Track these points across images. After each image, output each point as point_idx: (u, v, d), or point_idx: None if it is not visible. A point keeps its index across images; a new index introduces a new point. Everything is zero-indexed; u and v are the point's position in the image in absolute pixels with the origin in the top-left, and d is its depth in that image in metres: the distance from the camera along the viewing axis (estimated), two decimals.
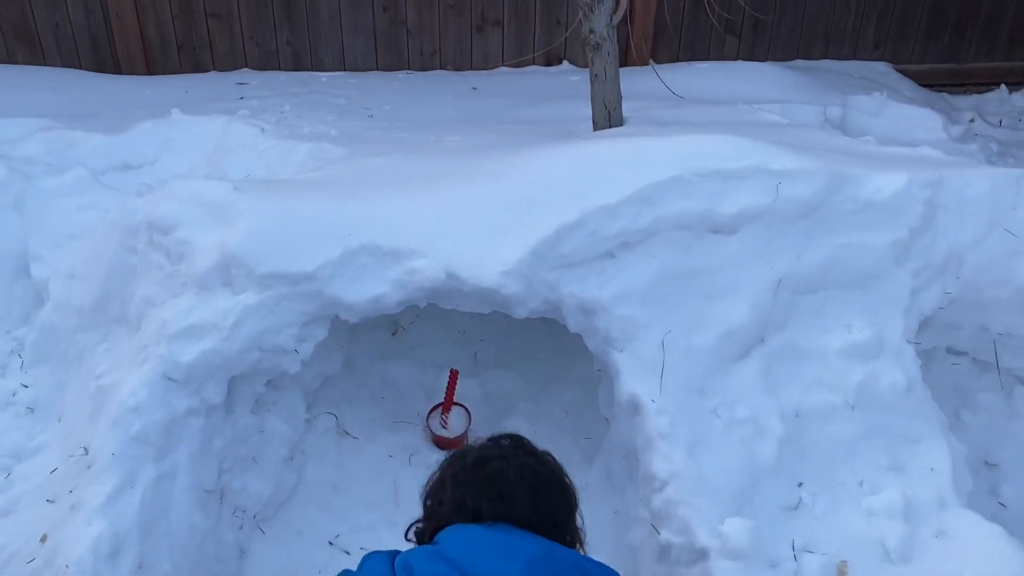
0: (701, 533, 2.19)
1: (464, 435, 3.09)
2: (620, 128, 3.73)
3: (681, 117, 3.88)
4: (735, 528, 2.17)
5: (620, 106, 3.82)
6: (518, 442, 1.73)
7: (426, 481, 1.70)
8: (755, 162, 2.78)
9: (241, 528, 2.52)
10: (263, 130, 3.89)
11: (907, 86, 5.79)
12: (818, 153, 3.02)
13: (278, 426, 2.70)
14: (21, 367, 2.74)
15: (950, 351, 3.29)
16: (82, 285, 2.77)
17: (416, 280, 2.52)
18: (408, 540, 1.66)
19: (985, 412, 3.18)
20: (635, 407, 2.47)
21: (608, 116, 3.81)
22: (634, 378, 2.51)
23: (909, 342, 2.71)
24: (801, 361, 2.65)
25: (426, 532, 1.64)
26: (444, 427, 3.07)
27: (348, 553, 2.62)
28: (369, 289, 2.51)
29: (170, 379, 2.36)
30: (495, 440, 1.71)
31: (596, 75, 3.73)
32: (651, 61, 5.89)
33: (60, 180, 3.15)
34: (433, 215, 2.66)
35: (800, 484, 2.45)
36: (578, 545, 1.87)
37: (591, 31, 3.60)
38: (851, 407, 2.55)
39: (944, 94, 5.99)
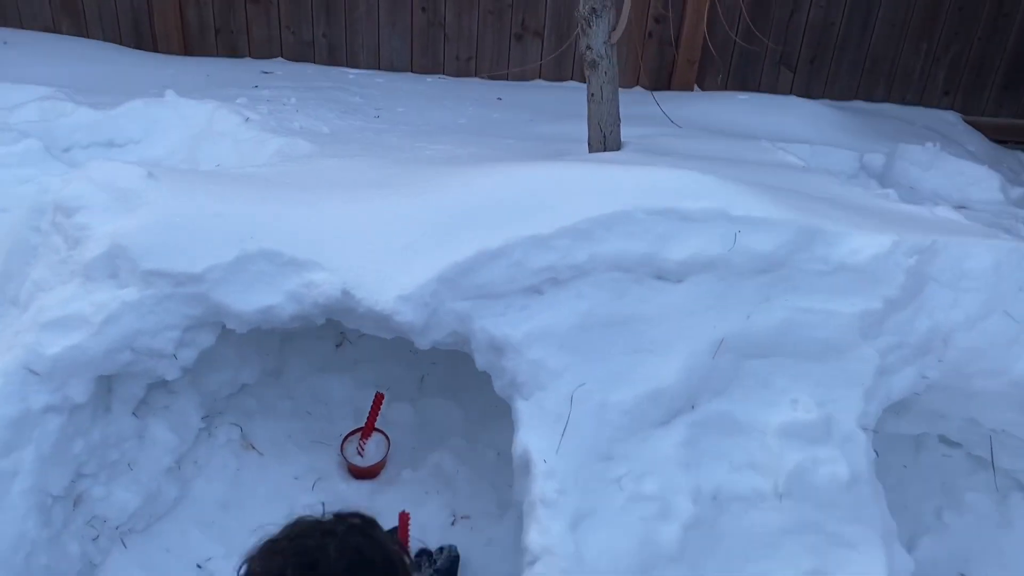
0: None
1: (380, 464, 2.86)
2: (610, 154, 3.45)
3: (684, 148, 3.57)
4: None
5: (618, 129, 3.54)
6: (358, 522, 1.60)
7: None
8: (715, 204, 2.48)
9: (96, 539, 2.35)
10: (247, 120, 3.76)
11: (974, 139, 5.30)
12: (802, 203, 2.68)
13: (163, 433, 2.53)
14: None
15: (942, 440, 2.90)
16: None
17: (312, 294, 2.31)
18: None
19: (972, 516, 2.77)
20: (526, 465, 2.20)
21: (603, 139, 3.54)
22: (532, 431, 2.23)
23: (865, 429, 2.35)
24: (734, 436, 2.32)
25: None
26: (360, 454, 2.85)
27: None
28: (260, 299, 2.32)
29: (32, 371, 2.21)
30: (337, 515, 1.60)
31: (592, 95, 3.46)
32: (696, 87, 5.58)
33: (10, 150, 3.08)
34: (348, 226, 2.45)
35: None
36: None
37: (588, 47, 3.34)
38: (780, 496, 2.22)
39: (1019, 152, 5.47)
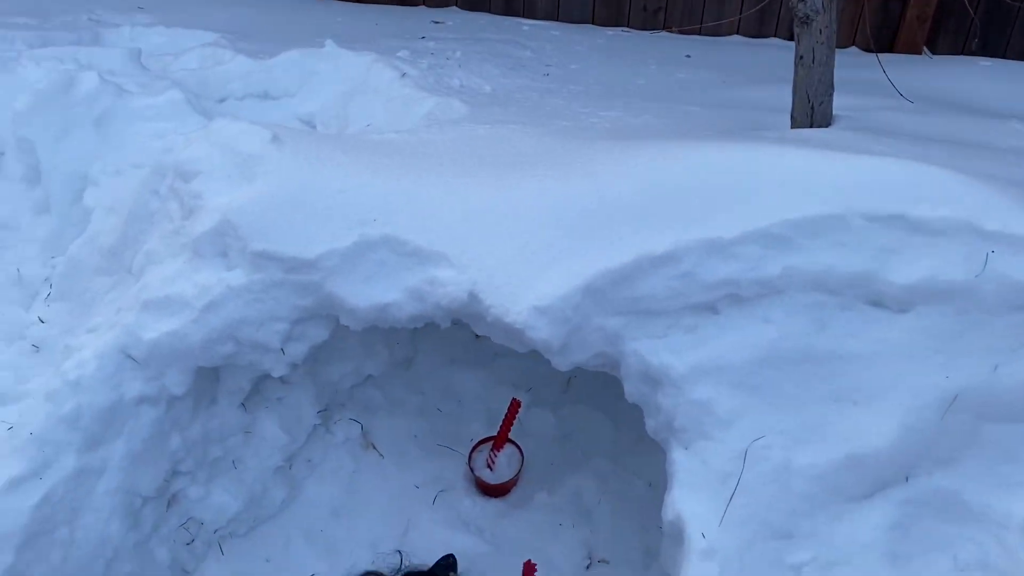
0: None
1: (511, 482, 2.50)
2: (818, 132, 2.84)
3: (913, 127, 2.89)
4: None
5: (829, 100, 2.93)
6: None
7: None
8: (960, 213, 1.88)
9: (191, 544, 2.13)
10: (404, 75, 3.44)
11: None
12: None
13: (272, 429, 2.28)
14: (46, 299, 2.53)
15: None
16: (113, 222, 2.49)
17: (435, 294, 1.94)
18: None
19: None
20: (679, 534, 1.74)
21: (810, 112, 2.94)
22: (689, 493, 1.77)
23: None
24: (961, 524, 1.76)
25: None
26: (490, 467, 2.50)
27: None
28: (377, 294, 1.98)
29: (129, 356, 1.99)
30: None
31: (801, 57, 2.86)
32: (924, 50, 4.74)
33: (152, 102, 2.90)
34: (486, 214, 2.05)
35: None
36: None
37: (800, 0, 2.74)
38: None
39: None
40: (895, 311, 1.89)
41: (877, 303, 1.90)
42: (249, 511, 2.23)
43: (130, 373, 1.98)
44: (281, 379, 2.32)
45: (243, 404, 2.24)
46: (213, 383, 2.17)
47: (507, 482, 2.49)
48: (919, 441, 1.80)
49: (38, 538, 1.80)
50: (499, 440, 2.52)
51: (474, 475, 2.51)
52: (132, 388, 1.98)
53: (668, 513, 1.78)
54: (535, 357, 2.79)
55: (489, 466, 2.51)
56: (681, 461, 1.82)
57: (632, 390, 1.94)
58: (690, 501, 1.76)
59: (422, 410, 2.71)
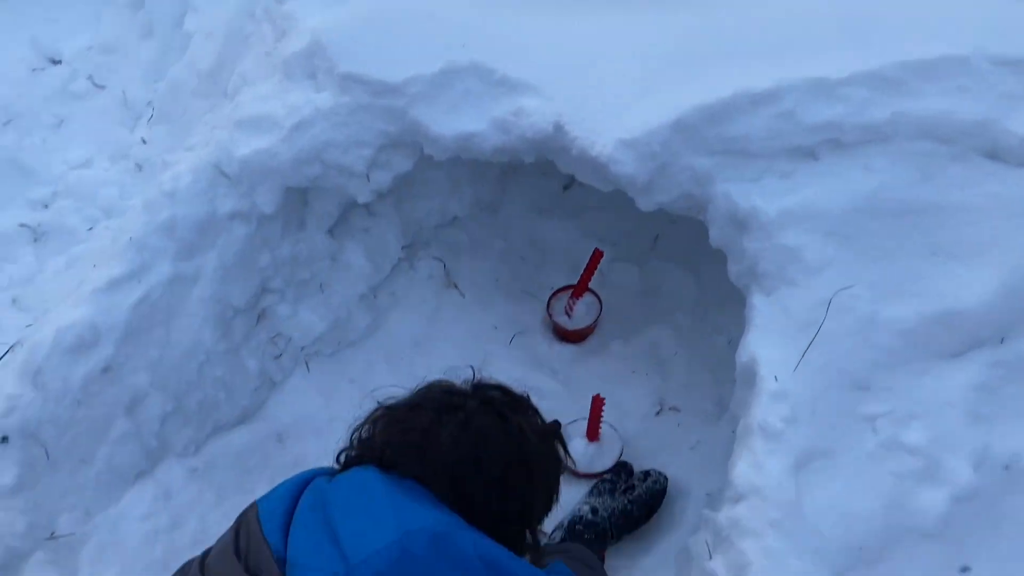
0: None
1: (588, 328, 2.51)
2: None
3: None
4: None
5: None
6: (498, 398, 1.42)
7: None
8: None
9: (279, 358, 2.24)
10: None
11: None
12: None
13: (359, 258, 2.33)
14: (148, 121, 2.61)
15: None
16: (210, 46, 2.52)
17: (520, 125, 1.91)
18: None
19: None
20: (751, 377, 1.73)
21: None
22: (766, 337, 1.74)
23: None
24: None
25: (349, 464, 1.39)
26: (568, 314, 2.51)
27: None
28: (462, 123, 1.96)
29: (222, 172, 2.05)
30: (478, 386, 1.46)
31: None
32: None
33: None
34: (578, 43, 1.98)
35: (965, 569, 1.59)
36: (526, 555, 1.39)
37: None
38: None
39: None
40: (1012, 165, 1.76)
41: (992, 155, 1.78)
42: (334, 334, 2.32)
43: (223, 189, 2.04)
44: (367, 210, 2.36)
45: (330, 231, 2.29)
46: (302, 207, 2.23)
47: (584, 328, 2.50)
48: (1020, 303, 1.70)
49: (137, 335, 1.91)
50: (579, 288, 2.52)
51: (552, 320, 2.52)
52: (225, 203, 2.04)
53: (742, 355, 1.76)
54: (622, 210, 2.75)
55: (567, 313, 2.52)
56: (761, 307, 1.78)
57: (717, 234, 1.89)
58: (766, 345, 1.72)
59: (505, 255, 2.73)
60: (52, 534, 1.71)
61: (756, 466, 1.61)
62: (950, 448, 1.63)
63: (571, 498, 2.14)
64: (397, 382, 2.30)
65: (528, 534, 1.43)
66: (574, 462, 2.09)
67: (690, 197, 1.88)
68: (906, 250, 1.76)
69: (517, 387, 1.89)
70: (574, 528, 1.95)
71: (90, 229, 2.42)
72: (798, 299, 1.75)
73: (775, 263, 1.78)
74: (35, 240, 2.53)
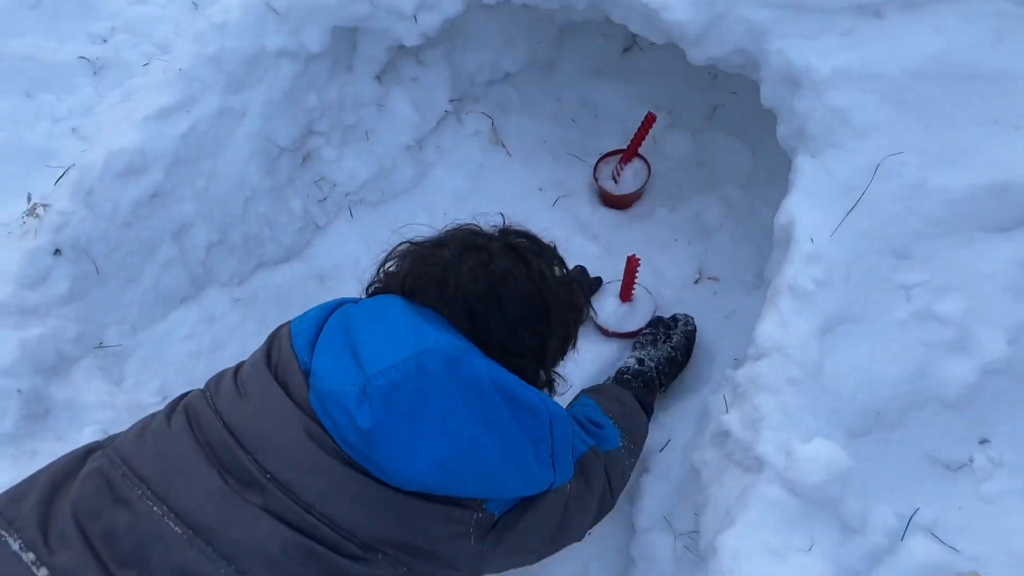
0: (767, 447, 1.50)
1: (634, 195, 2.49)
2: None
3: None
4: (816, 455, 1.45)
5: None
6: (523, 243, 1.47)
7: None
8: None
9: (323, 202, 2.28)
10: None
11: None
12: None
13: (405, 107, 2.33)
14: None
15: None
16: None
17: None
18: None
19: None
20: (787, 238, 1.70)
21: None
22: (806, 198, 1.71)
23: None
24: None
25: (375, 294, 1.49)
26: (615, 179, 2.49)
27: None
28: None
29: (271, 8, 2.04)
30: (504, 231, 1.53)
31: None
32: None
33: None
34: None
35: (984, 441, 1.59)
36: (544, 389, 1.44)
37: None
38: None
39: None
40: None
41: None
42: (378, 183, 2.34)
43: (272, 25, 2.04)
44: (416, 59, 2.34)
45: (378, 77, 2.29)
46: (350, 50, 2.22)
47: (630, 194, 2.48)
48: None
49: (184, 164, 1.97)
50: (628, 153, 2.49)
51: (598, 185, 2.51)
52: (273, 40, 2.05)
53: (780, 217, 1.73)
54: (682, 76, 2.68)
55: (614, 178, 2.50)
56: (805, 168, 1.73)
57: (768, 93, 1.83)
58: (806, 207, 1.69)
59: (556, 117, 2.69)
60: (100, 343, 1.81)
61: (781, 325, 1.61)
62: (985, 321, 1.61)
63: (599, 355, 2.18)
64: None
65: (542, 373, 1.47)
66: (595, 312, 2.13)
67: (744, 53, 1.82)
68: (965, 117, 1.69)
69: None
70: (622, 378, 1.99)
71: (145, 64, 2.46)
72: (843, 162, 1.70)
73: (823, 124, 1.72)
74: (94, 73, 2.59)
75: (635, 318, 2.17)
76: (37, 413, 1.61)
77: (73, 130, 2.42)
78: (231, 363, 1.73)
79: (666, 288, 2.29)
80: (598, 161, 2.54)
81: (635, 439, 1.77)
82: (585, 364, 2.13)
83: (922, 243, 1.66)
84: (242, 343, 2.01)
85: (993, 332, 1.60)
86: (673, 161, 2.61)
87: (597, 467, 1.57)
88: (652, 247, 2.40)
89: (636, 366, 2.00)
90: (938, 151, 1.68)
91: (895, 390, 1.59)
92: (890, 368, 1.59)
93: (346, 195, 2.32)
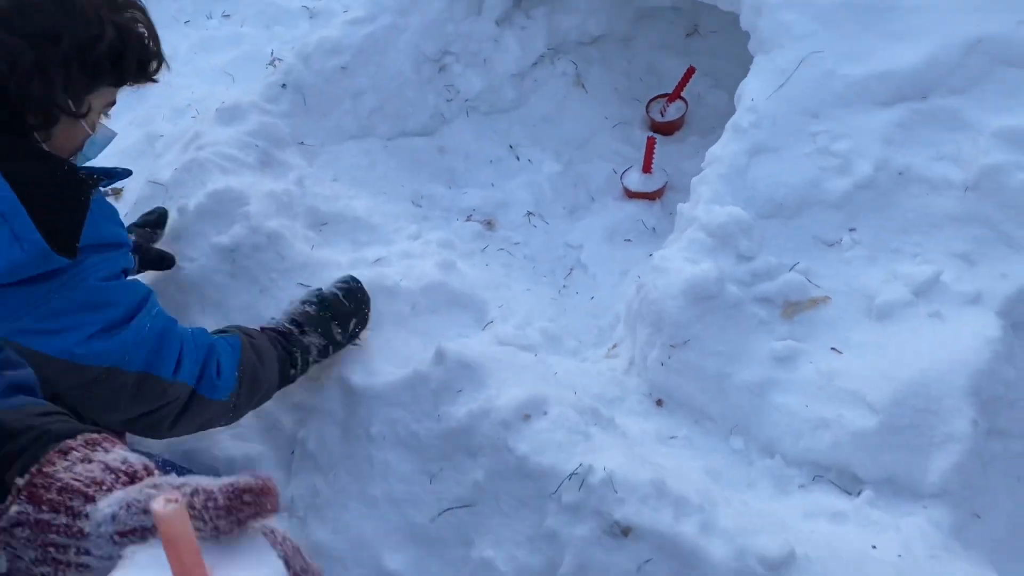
0: (699, 210, 2.43)
1: (677, 122, 3.46)
2: None
3: None
4: (725, 211, 2.37)
5: None
6: None
7: None
8: None
9: (449, 102, 3.40)
10: None
11: None
12: None
13: (514, 46, 3.43)
14: None
15: None
16: None
17: None
18: None
19: None
20: (739, 100, 2.65)
21: None
22: (756, 78, 2.66)
23: None
24: (952, 131, 2.48)
25: None
26: (661, 114, 3.49)
27: (519, 159, 3.36)
28: None
29: None
30: None
31: None
32: None
33: None
34: None
35: (852, 229, 2.45)
36: None
37: None
38: (966, 188, 2.37)
39: None
40: None
41: None
42: (488, 97, 3.44)
43: None
44: (526, 13, 3.45)
45: (497, 21, 3.41)
46: (480, 1, 3.36)
47: (672, 122, 3.46)
48: (940, 71, 2.51)
49: (364, 54, 3.13)
50: (673, 95, 3.48)
51: (648, 117, 3.51)
52: None
53: (738, 89, 2.68)
54: (729, 56, 3.67)
55: (661, 113, 3.49)
56: (759, 61, 2.69)
57: (745, 20, 2.81)
58: (754, 82, 2.64)
59: (626, 74, 3.73)
60: (301, 142, 2.97)
61: (722, 146, 2.55)
62: (861, 156, 2.49)
63: (624, 213, 3.13)
64: (531, 144, 3.39)
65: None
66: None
67: None
68: (867, 32, 2.60)
69: (612, 155, 2.89)
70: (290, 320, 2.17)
71: (345, 11, 3.70)
72: (783, 56, 2.65)
73: (773, 32, 2.68)
74: (310, 17, 3.88)
75: (652, 183, 3.13)
76: (266, 162, 2.76)
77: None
78: (378, 183, 2.82)
79: (682, 177, 3.23)
80: (650, 100, 3.55)
81: (252, 392, 1.97)
82: (605, 225, 3.08)
83: (828, 108, 2.57)
84: (384, 174, 3.12)
85: (866, 162, 2.47)
86: (711, 109, 3.57)
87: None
88: (683, 158, 3.35)
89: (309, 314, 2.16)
90: (847, 51, 2.60)
91: (795, 192, 2.48)
92: (793, 179, 2.49)
93: (465, 101, 3.43)
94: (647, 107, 3.54)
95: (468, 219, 3.08)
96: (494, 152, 3.42)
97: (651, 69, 3.78)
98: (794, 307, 2.32)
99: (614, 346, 2.55)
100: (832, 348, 2.22)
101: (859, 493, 2.00)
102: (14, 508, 0.85)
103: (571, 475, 1.83)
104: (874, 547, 1.82)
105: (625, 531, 1.76)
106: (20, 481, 0.86)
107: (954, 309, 2.19)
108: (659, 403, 2.30)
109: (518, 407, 1.98)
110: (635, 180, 3.16)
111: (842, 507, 1.95)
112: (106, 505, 0.80)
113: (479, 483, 1.93)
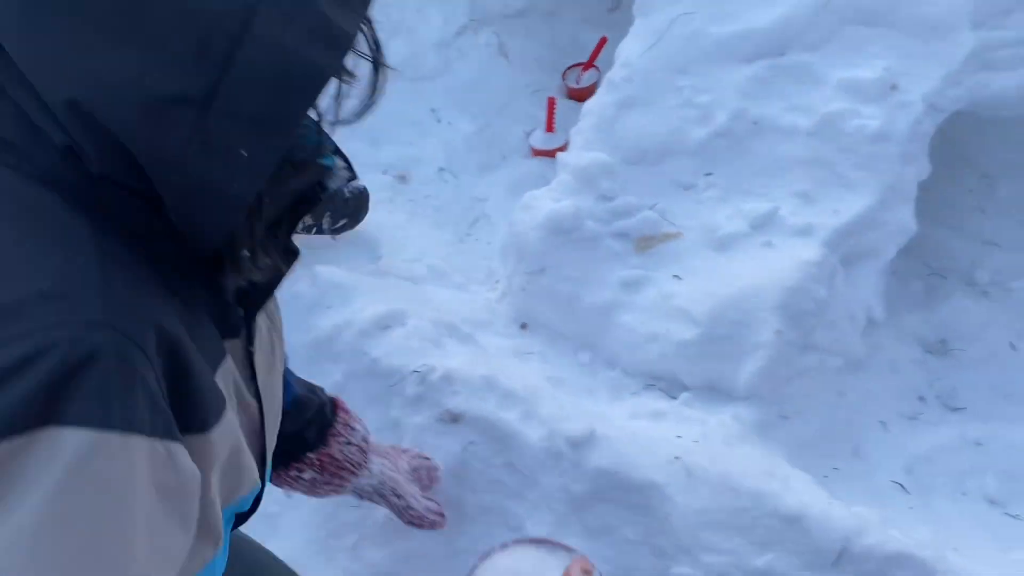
0: (569, 158, 2.69)
1: (590, 88, 3.71)
2: None
3: None
4: (590, 155, 2.63)
5: None
6: None
7: None
8: None
9: None
10: None
11: None
12: None
13: (436, 17, 3.69)
14: None
15: None
16: None
17: None
18: None
19: None
20: (616, 59, 2.91)
21: None
22: (632, 40, 2.91)
23: (933, 105, 2.56)
24: (804, 84, 2.72)
25: None
26: (576, 81, 3.74)
27: (440, 121, 3.62)
28: None
29: None
30: None
31: None
32: None
33: None
34: None
35: (709, 174, 2.69)
36: None
37: None
38: (809, 134, 2.62)
39: None
40: None
41: None
42: (412, 63, 3.70)
43: None
44: None
45: None
46: None
47: (585, 88, 3.71)
48: (796, 29, 2.75)
49: None
50: (587, 64, 3.74)
51: (564, 84, 3.77)
52: None
53: (616, 51, 2.93)
54: None
55: (576, 80, 3.75)
56: (637, 23, 2.94)
57: None
58: (630, 43, 2.90)
59: (550, 46, 3.98)
60: None
61: (596, 99, 2.81)
62: (720, 107, 2.73)
63: (527, 169, 3.39)
64: (459, 112, 3.65)
65: None
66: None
67: None
68: None
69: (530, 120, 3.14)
70: None
71: None
72: (657, 18, 2.90)
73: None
74: None
75: (555, 141, 3.39)
76: None
77: None
78: None
79: None
80: (566, 69, 3.80)
81: None
82: (511, 180, 3.34)
83: (694, 65, 2.82)
84: None
85: (722, 112, 2.72)
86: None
87: None
88: None
89: None
90: (716, 13, 2.84)
91: (658, 140, 2.73)
92: (658, 129, 2.74)
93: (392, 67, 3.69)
94: (564, 75, 3.80)
95: (384, 173, 3.35)
96: (416, 115, 3.69)
97: (573, 41, 4.03)
98: (647, 241, 2.57)
99: (497, 282, 2.81)
100: (675, 275, 2.47)
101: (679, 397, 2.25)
102: (307, 473, 1.68)
103: (413, 371, 2.09)
104: (679, 436, 2.07)
105: (455, 418, 2.02)
106: (312, 456, 1.67)
107: (786, 240, 2.44)
108: (524, 327, 2.56)
109: (378, 319, 2.24)
110: (539, 139, 3.42)
111: (663, 408, 2.20)
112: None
113: (337, 383, 2.19)
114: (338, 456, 1.68)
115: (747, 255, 2.43)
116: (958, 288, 2.88)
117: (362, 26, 0.92)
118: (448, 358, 2.12)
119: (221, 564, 1.01)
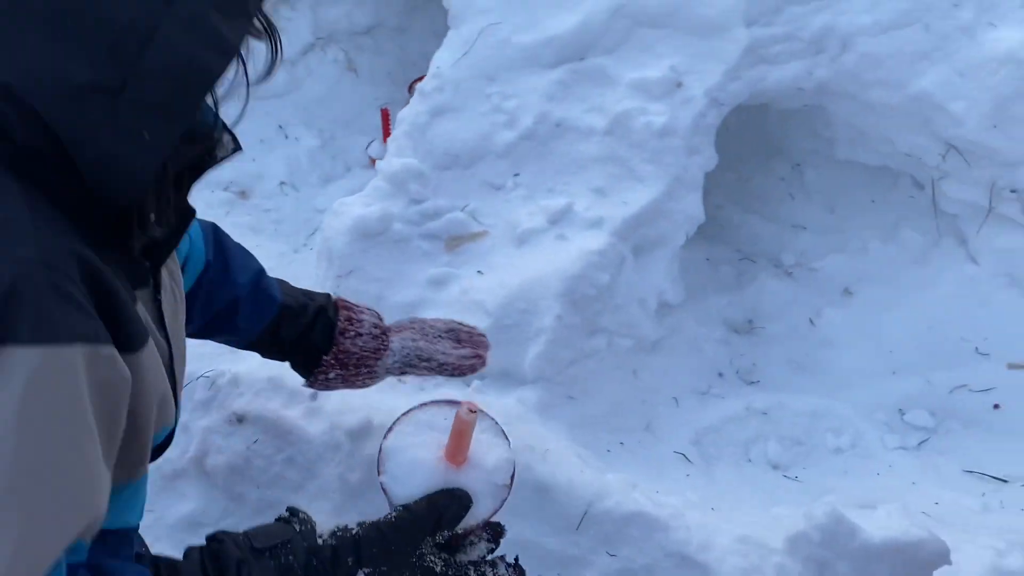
0: (383, 165, 2.82)
1: None
2: None
3: None
4: (402, 162, 2.76)
5: None
6: None
7: None
8: None
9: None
10: None
11: None
12: None
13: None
14: None
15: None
16: None
17: None
18: None
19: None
20: (429, 69, 3.05)
21: None
22: (445, 51, 3.06)
23: (716, 100, 2.74)
24: (601, 86, 2.89)
25: None
26: None
27: (288, 137, 3.72)
28: None
29: None
30: None
31: None
32: None
33: None
34: None
35: (517, 174, 2.84)
36: None
37: None
38: (605, 133, 2.78)
39: None
40: None
41: None
42: (260, 86, 3.81)
43: None
44: (290, 6, 3.83)
45: None
46: None
47: None
48: (592, 35, 2.92)
49: None
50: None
51: (409, 96, 3.89)
52: None
53: (429, 65, 3.08)
54: None
55: None
56: (450, 35, 3.09)
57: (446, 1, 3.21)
58: (444, 54, 3.04)
59: (400, 60, 4.13)
60: None
61: (409, 108, 2.94)
62: (525, 111, 2.89)
63: (367, 179, 3.52)
64: (305, 128, 3.77)
65: None
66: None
67: None
68: (538, 2, 3.02)
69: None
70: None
71: None
72: (467, 28, 3.05)
73: (461, 8, 3.09)
74: None
75: None
76: None
77: None
78: None
79: None
80: (413, 82, 3.93)
81: None
82: (351, 189, 3.46)
83: (502, 72, 2.97)
84: None
85: (528, 116, 2.87)
86: None
87: None
88: None
89: None
90: (521, 22, 3.01)
91: (469, 145, 2.87)
92: (468, 134, 2.89)
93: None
94: (409, 88, 3.93)
95: (225, 190, 3.44)
96: (263, 132, 3.80)
97: (424, 55, 4.15)
98: (456, 241, 2.70)
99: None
100: (478, 271, 2.61)
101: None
102: (332, 372, 1.78)
103: (200, 376, 2.19)
104: None
105: (240, 419, 2.12)
106: (328, 357, 1.77)
107: (578, 232, 2.59)
108: None
109: None
110: (377, 149, 3.55)
111: (455, 395, 2.32)
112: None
113: None
114: (353, 349, 1.78)
115: (542, 248, 2.58)
116: (765, 270, 3.07)
117: (257, 15, 1.14)
118: (239, 362, 2.22)
119: (144, 489, 1.19)
